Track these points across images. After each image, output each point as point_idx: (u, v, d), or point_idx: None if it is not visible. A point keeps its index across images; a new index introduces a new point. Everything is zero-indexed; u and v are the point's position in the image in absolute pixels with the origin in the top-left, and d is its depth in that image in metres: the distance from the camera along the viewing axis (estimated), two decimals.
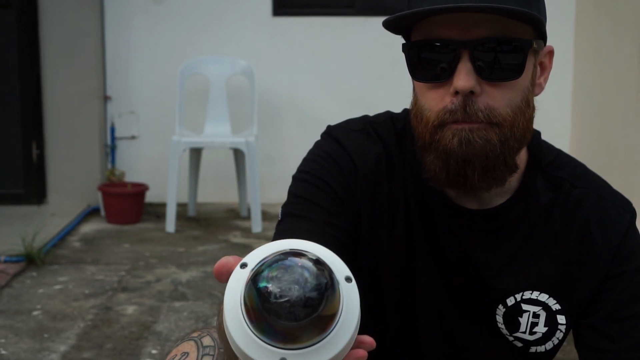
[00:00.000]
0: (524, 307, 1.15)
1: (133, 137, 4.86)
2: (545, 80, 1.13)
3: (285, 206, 1.16)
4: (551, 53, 1.14)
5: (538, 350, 1.17)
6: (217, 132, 4.47)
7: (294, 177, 1.18)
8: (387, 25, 1.07)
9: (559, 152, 1.20)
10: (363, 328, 1.22)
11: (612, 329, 1.13)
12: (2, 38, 4.52)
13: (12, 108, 4.58)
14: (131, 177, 4.74)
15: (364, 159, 1.16)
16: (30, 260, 3.55)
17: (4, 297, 3.16)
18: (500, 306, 1.16)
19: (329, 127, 1.21)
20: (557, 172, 1.17)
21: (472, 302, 1.17)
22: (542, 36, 1.08)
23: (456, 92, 1.03)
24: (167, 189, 4.21)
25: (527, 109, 1.07)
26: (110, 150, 4.81)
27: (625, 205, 1.17)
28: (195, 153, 4.52)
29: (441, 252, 1.15)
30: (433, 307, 1.18)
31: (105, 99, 4.78)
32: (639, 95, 3.75)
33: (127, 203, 4.45)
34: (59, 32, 4.55)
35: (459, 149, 1.03)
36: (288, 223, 1.13)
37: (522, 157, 1.14)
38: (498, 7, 0.99)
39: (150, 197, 4.59)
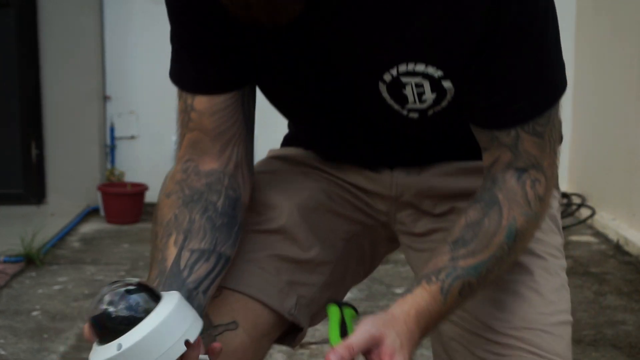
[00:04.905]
0: (403, 79, 1.09)
1: (132, 137, 4.85)
2: None
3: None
4: None
5: (435, 110, 1.13)
6: None
7: None
8: None
9: None
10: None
11: (488, 87, 1.09)
12: (1, 38, 4.52)
13: (12, 108, 4.57)
14: (131, 177, 4.73)
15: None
16: (30, 261, 3.55)
17: (3, 298, 3.15)
18: (380, 84, 1.11)
19: None
20: None
21: (354, 88, 1.14)
22: None
23: None
24: None
25: None
26: (110, 150, 4.81)
27: None
28: None
29: (298, 49, 1.11)
30: (325, 105, 1.20)
31: (105, 98, 4.78)
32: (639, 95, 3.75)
33: (126, 203, 4.45)
34: (59, 32, 4.55)
35: None
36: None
37: None
38: None
39: (149, 197, 4.58)
